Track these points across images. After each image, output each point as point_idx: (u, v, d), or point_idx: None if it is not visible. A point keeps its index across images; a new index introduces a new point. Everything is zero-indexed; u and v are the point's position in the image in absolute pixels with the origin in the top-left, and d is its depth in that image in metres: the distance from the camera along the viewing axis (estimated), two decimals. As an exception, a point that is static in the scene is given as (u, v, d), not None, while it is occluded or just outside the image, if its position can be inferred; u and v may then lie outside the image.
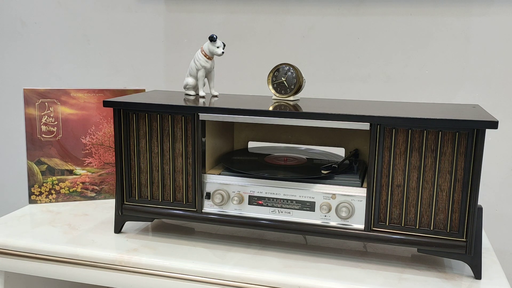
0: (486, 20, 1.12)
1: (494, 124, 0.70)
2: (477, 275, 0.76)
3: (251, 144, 1.04)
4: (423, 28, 1.16)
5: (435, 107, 0.86)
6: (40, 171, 1.07)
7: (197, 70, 0.92)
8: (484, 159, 0.74)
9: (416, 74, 1.18)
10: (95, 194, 1.10)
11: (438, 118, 0.73)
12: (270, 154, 0.96)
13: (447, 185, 0.74)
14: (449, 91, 1.16)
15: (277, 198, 0.83)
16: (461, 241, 0.75)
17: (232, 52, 1.23)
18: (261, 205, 0.83)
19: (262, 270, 0.77)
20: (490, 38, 1.13)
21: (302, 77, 0.90)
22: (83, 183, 1.09)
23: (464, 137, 0.73)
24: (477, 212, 0.74)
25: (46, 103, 1.05)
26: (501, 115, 1.13)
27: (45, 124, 1.06)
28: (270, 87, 0.91)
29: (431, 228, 0.76)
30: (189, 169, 0.85)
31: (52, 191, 1.08)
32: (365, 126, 0.76)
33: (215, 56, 0.91)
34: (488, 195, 1.17)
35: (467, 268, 0.79)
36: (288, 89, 0.90)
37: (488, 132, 0.75)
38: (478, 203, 0.74)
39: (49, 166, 1.07)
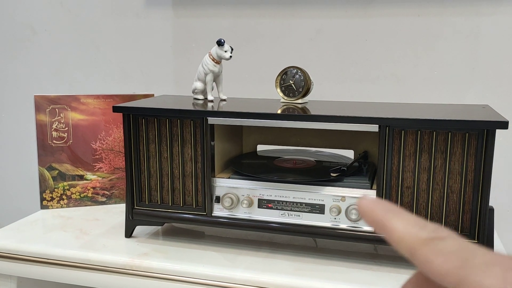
0: (495, 20, 1.11)
1: (504, 124, 0.70)
2: (490, 276, 0.76)
3: (260, 148, 1.04)
4: (432, 29, 1.15)
5: (445, 108, 0.86)
6: (52, 177, 1.08)
7: (205, 74, 0.92)
8: (495, 159, 0.73)
9: (425, 75, 1.17)
10: (105, 199, 1.11)
11: (447, 119, 0.72)
12: (279, 157, 0.97)
13: (457, 186, 0.74)
14: (458, 92, 1.16)
15: (286, 201, 0.83)
16: (472, 242, 0.74)
17: (240, 56, 1.24)
18: (271, 208, 0.83)
19: (273, 273, 0.77)
20: (499, 38, 1.12)
21: (310, 79, 0.90)
22: (93, 188, 1.10)
23: (474, 137, 0.72)
24: (489, 213, 0.74)
25: (56, 109, 1.07)
26: (511, 115, 1.12)
27: (56, 130, 1.07)
28: (278, 90, 0.91)
29: (442, 230, 0.76)
30: (199, 173, 0.85)
31: (64, 197, 1.09)
32: (374, 128, 0.75)
33: (223, 60, 0.92)
34: (499, 196, 1.16)
35: (479, 270, 0.78)
36: (296, 92, 0.90)
37: (499, 132, 0.75)
38: (490, 204, 0.73)
39: (60, 172, 1.08)
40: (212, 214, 0.86)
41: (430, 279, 0.22)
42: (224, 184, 0.85)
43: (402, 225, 0.22)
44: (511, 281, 0.19)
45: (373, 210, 0.23)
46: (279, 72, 0.91)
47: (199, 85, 0.94)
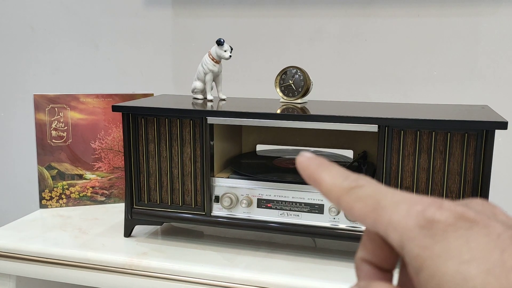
0: (494, 20, 1.11)
1: (503, 125, 0.70)
2: (488, 277, 0.76)
3: (260, 147, 1.04)
4: (431, 29, 1.15)
5: (444, 108, 0.86)
6: (51, 176, 1.08)
7: (205, 74, 0.92)
8: (494, 160, 0.74)
9: (424, 75, 1.17)
10: (104, 198, 1.11)
11: (446, 119, 0.72)
12: (278, 157, 0.97)
13: (456, 186, 0.74)
14: (457, 92, 1.16)
15: (285, 201, 0.83)
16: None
17: (240, 56, 1.24)
18: (270, 208, 0.83)
19: (272, 273, 0.77)
20: (498, 39, 1.12)
21: (310, 79, 0.90)
22: (93, 187, 1.10)
23: (473, 138, 0.72)
24: (488, 214, 0.74)
25: (56, 109, 1.06)
26: (510, 115, 1.12)
27: (55, 129, 1.07)
28: (278, 90, 0.91)
29: (441, 230, 0.76)
30: (198, 173, 0.85)
31: (63, 196, 1.09)
32: (373, 128, 0.75)
33: (222, 60, 0.92)
34: (498, 196, 1.16)
35: (478, 270, 0.78)
36: (295, 92, 0.90)
37: (498, 133, 0.75)
38: (488, 205, 0.73)
39: (60, 171, 1.08)
40: (211, 214, 0.86)
41: (370, 235, 0.24)
42: (223, 184, 0.85)
43: (329, 177, 0.25)
44: (413, 214, 0.21)
45: (307, 166, 0.25)
46: (279, 72, 0.91)
47: (198, 84, 0.94)
